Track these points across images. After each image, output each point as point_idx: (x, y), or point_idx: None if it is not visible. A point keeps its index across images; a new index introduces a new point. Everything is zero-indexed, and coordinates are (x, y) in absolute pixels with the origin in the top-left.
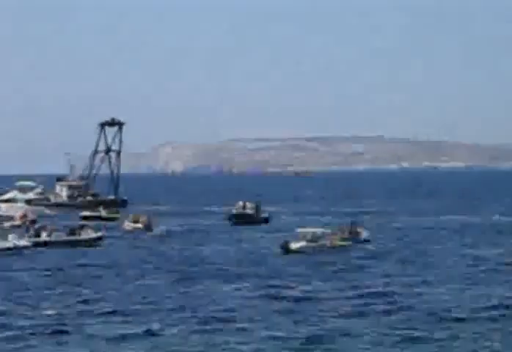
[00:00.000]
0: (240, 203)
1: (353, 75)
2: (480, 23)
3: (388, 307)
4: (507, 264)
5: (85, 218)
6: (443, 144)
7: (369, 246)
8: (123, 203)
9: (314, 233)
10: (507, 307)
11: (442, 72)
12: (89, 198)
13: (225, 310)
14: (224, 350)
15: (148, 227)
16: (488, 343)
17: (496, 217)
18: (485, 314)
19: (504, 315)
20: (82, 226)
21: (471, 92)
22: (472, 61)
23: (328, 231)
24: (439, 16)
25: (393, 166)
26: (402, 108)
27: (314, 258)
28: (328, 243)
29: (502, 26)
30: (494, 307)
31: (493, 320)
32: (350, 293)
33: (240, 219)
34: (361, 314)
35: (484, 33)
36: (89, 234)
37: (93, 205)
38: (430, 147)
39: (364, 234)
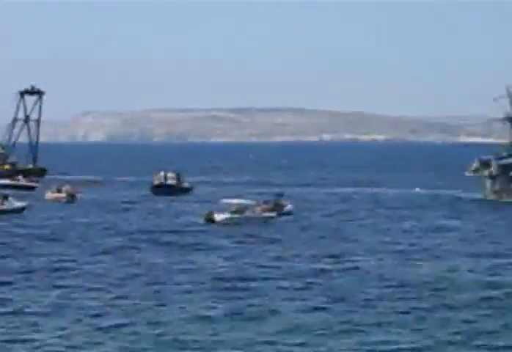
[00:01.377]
0: (161, 173)
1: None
2: None
3: (307, 281)
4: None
5: (3, 186)
6: (364, 117)
7: (292, 218)
8: (42, 172)
9: (239, 204)
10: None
11: (367, 48)
12: (7, 167)
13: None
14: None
15: (71, 197)
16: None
17: (416, 190)
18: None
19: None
20: (6, 196)
21: (391, 68)
22: (400, 39)
23: (253, 202)
24: None
25: (314, 139)
26: (324, 80)
27: (238, 229)
28: (252, 214)
29: None
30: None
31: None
32: (272, 266)
33: (162, 189)
34: (274, 288)
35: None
36: (12, 204)
37: (12, 174)
38: (351, 119)
39: (288, 206)
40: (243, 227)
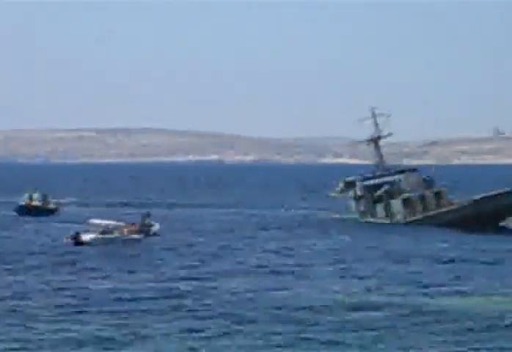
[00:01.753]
0: (27, 194)
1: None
2: None
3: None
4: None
5: None
6: (230, 138)
7: (160, 239)
8: None
9: (106, 225)
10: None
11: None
12: None
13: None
14: None
15: None
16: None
17: (282, 210)
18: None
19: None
20: None
21: (254, 92)
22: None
23: (121, 223)
24: None
25: (181, 159)
26: (188, 101)
27: (105, 250)
28: (120, 235)
29: None
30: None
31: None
32: (139, 288)
33: (28, 210)
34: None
35: None
36: None
37: None
38: (216, 139)
39: (156, 227)
40: (110, 248)
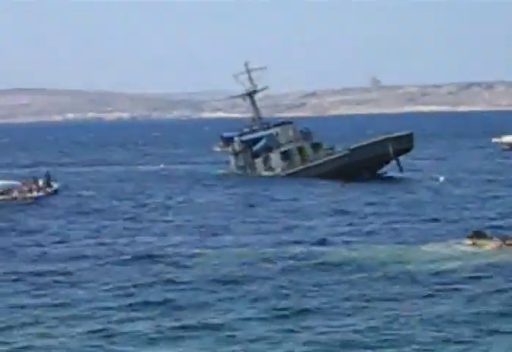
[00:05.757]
0: None
1: None
2: None
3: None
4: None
5: None
6: (107, 96)
7: (61, 198)
8: None
9: (4, 185)
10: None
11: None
12: None
13: None
14: None
15: None
16: None
17: (161, 166)
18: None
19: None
20: None
21: (135, 51)
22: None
23: (18, 183)
24: None
25: (58, 118)
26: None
27: (5, 211)
28: (19, 195)
29: None
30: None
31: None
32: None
33: None
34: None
35: None
36: None
37: None
38: (95, 98)
39: (55, 185)
40: (10, 208)
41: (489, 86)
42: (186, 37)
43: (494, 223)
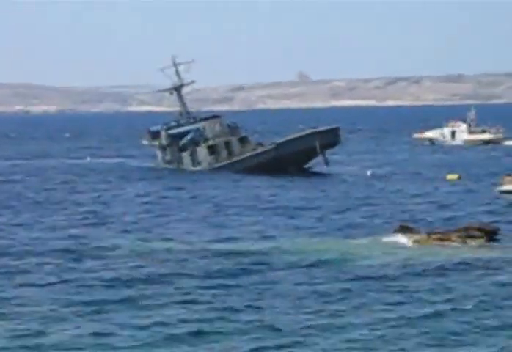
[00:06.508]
0: None
1: None
2: None
3: None
4: None
5: None
6: (34, 88)
7: None
8: None
9: None
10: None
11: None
12: None
13: None
14: None
15: None
16: None
17: (88, 159)
18: None
19: None
20: None
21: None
22: None
23: None
24: None
25: None
26: None
27: None
28: None
29: None
30: None
31: None
32: None
33: None
34: None
35: None
36: None
37: None
38: (22, 91)
39: None
40: None
41: (416, 80)
42: (115, 30)
43: (420, 216)
